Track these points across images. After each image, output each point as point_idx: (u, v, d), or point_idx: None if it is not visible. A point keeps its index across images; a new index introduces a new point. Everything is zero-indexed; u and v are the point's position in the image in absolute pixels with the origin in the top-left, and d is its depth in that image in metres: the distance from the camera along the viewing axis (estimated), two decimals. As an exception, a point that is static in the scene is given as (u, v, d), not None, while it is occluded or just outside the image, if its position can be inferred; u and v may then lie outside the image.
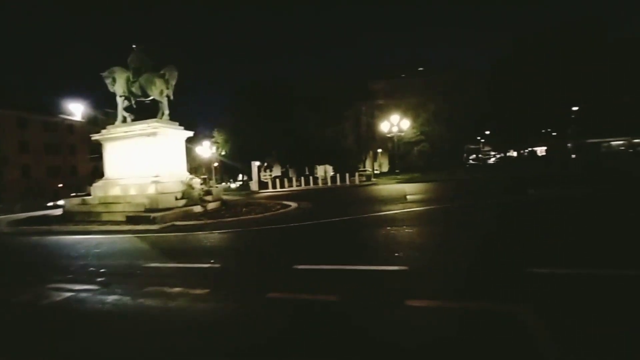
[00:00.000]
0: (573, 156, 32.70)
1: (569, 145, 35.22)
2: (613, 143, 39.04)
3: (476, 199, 11.06)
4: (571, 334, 2.26)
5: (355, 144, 38.21)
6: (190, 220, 10.11)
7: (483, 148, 57.19)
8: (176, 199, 11.60)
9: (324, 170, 29.88)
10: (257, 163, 31.05)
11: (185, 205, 11.44)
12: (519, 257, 4.11)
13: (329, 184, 27.35)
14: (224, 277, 4.42)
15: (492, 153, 56.49)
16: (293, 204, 12.71)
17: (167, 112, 13.34)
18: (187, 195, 12.03)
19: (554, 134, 41.29)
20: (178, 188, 12.21)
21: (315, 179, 28.44)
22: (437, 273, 3.87)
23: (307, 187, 26.76)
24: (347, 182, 26.31)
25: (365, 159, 41.79)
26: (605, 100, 33.99)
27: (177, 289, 3.81)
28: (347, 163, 33.25)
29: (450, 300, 2.94)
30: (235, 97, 40.73)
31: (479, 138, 51.53)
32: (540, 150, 45.35)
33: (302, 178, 28.38)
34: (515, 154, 50.09)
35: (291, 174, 34.59)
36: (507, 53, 41.70)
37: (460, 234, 6.12)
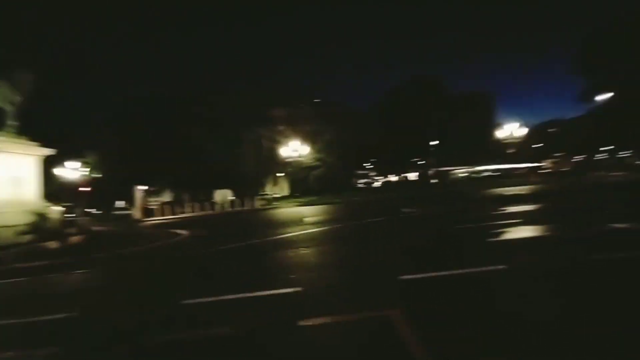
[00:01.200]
0: (433, 181, 40.95)
1: (430, 172, 43.86)
2: (458, 171, 50.81)
3: (361, 217, 12.44)
4: (435, 334, 2.76)
5: (255, 167, 38.05)
6: (42, 259, 8.04)
7: (370, 173, 65.01)
8: (19, 233, 9.14)
9: (222, 195, 28.43)
10: (142, 187, 27.31)
11: (33, 242, 9.10)
12: (393, 267, 4.81)
13: (228, 209, 26.13)
14: (82, 328, 3.64)
15: (377, 177, 64.60)
16: (184, 232, 11.63)
17: (14, 123, 10.65)
18: (38, 227, 9.61)
19: (421, 162, 50.61)
20: (24, 219, 9.66)
21: (213, 205, 26.77)
22: (328, 290, 4.16)
23: (203, 213, 24.89)
24: (247, 206, 25.70)
25: (266, 183, 41.93)
26: (451, 138, 44.50)
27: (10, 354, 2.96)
28: (247, 187, 32.62)
29: (339, 315, 3.20)
30: (120, 112, 35.59)
31: (366, 164, 58.56)
32: (413, 176, 54.76)
33: (197, 204, 26.31)
34: (395, 178, 58.81)
35: (185, 199, 31.66)
36: (381, 99, 50.38)
37: (348, 250, 6.76)
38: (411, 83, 45.36)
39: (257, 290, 4.20)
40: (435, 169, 46.05)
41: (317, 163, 38.84)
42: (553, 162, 51.86)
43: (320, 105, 43.53)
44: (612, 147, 44.78)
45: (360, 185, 53.56)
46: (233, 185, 31.28)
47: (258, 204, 26.43)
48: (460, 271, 4.27)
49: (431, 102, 39.58)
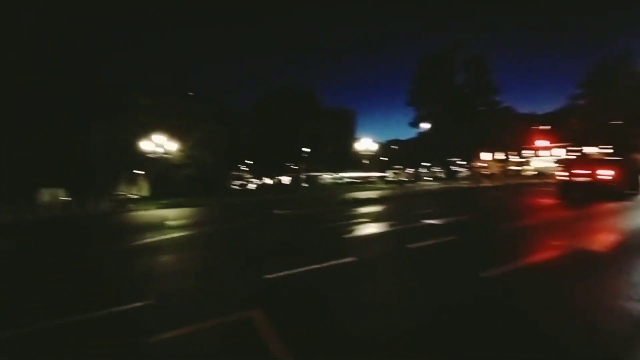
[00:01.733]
0: (305, 185, 44.24)
1: (302, 176, 47.19)
2: (325, 175, 56.92)
3: (232, 220, 12.24)
4: (294, 329, 3.05)
5: (105, 162, 31.52)
6: None
7: (245, 175, 64.22)
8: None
9: (51, 195, 22.20)
10: None
11: None
12: (258, 267, 5.01)
13: (59, 212, 20.58)
14: None
15: (253, 180, 64.50)
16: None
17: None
18: None
19: (294, 167, 53.76)
20: None
21: (36, 207, 20.52)
22: (187, 299, 3.96)
23: (17, 218, 18.71)
24: (90, 209, 20.94)
25: (120, 181, 35.29)
26: (320, 146, 49.38)
27: None
28: (92, 185, 26.60)
29: (199, 322, 3.12)
30: None
31: (242, 166, 57.59)
32: (286, 179, 57.47)
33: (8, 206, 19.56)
34: (271, 181, 60.13)
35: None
36: (257, 104, 50.40)
37: (213, 254, 6.57)
38: (283, 93, 47.26)
39: (99, 309, 3.60)
40: (306, 174, 49.72)
41: (188, 161, 35.52)
42: (394, 173, 64.27)
43: (195, 100, 40.15)
44: (429, 163, 59.19)
45: (235, 187, 52.21)
46: (70, 183, 24.91)
47: (106, 206, 21.94)
48: (319, 265, 4.87)
49: (305, 112, 42.70)
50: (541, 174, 43.65)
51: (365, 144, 37.15)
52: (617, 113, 44.43)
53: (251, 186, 55.82)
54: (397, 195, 20.09)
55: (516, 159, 57.87)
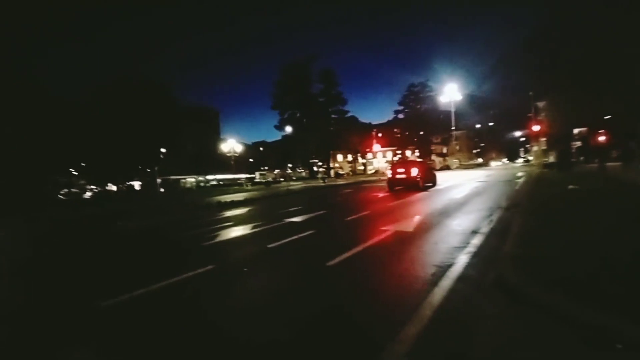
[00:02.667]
0: (162, 190, 39.05)
1: (158, 180, 41.48)
2: (188, 179, 52.03)
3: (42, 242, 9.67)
4: None
5: None
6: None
7: (78, 181, 51.06)
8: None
9: None
10: None
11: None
12: (88, 293, 4.21)
13: None
14: None
15: (89, 187, 52.09)
16: None
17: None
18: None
19: (147, 170, 46.50)
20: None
21: None
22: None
23: None
24: None
25: None
26: (180, 147, 44.92)
27: None
28: None
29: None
30: None
31: (72, 170, 45.41)
32: (138, 184, 49.02)
33: None
34: (115, 187, 49.88)
35: None
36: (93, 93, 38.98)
37: (25, 282, 5.06)
38: (128, 83, 38.26)
39: None
40: (163, 178, 44.02)
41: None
42: (261, 174, 65.45)
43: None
44: (293, 165, 63.37)
45: (62, 197, 40.68)
46: None
47: None
48: (170, 281, 4.50)
49: (159, 108, 37.62)
50: (379, 172, 53.66)
51: (231, 145, 36.19)
52: (423, 126, 59.42)
53: (87, 195, 44.88)
54: (263, 197, 20.57)
55: (361, 160, 69.18)
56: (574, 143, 29.84)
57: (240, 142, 40.40)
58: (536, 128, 26.40)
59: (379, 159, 66.26)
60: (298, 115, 50.49)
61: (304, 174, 56.10)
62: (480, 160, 77.41)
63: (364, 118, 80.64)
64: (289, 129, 48.30)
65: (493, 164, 68.35)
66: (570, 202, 8.08)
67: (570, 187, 11.12)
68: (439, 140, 64.52)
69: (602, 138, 24.81)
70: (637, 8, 21.10)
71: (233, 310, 3.51)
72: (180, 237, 8.55)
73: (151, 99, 36.68)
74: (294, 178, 52.35)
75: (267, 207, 14.52)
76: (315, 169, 55.78)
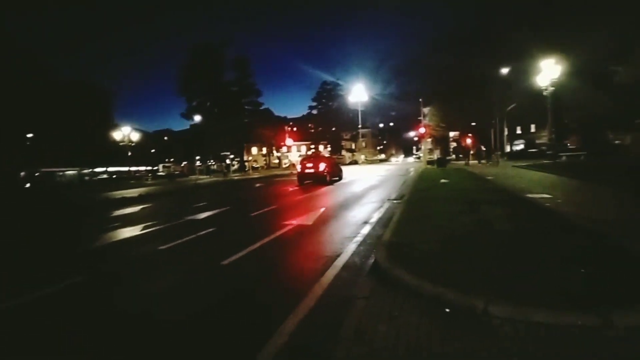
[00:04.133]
0: (27, 185, 31.49)
1: (22, 173, 33.30)
2: (68, 172, 43.21)
3: None
4: None
5: None
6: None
7: None
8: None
9: None
10: None
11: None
12: None
13: None
14: None
15: None
16: None
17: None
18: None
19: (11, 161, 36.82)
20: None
21: None
22: None
23: None
24: None
25: None
26: (59, 135, 36.77)
27: None
28: None
29: None
30: None
31: None
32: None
33: None
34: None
35: None
36: None
37: None
38: None
39: None
40: (32, 170, 35.58)
41: None
42: (165, 167, 59.14)
43: None
44: (203, 157, 59.17)
45: None
46: None
47: None
48: (23, 301, 3.75)
49: (22, 79, 29.97)
50: (293, 166, 54.53)
51: (124, 133, 31.55)
52: (334, 123, 62.68)
53: None
54: (165, 192, 18.69)
55: (276, 154, 69.08)
56: (451, 144, 36.02)
57: (139, 130, 35.52)
58: (422, 130, 30.84)
59: (294, 153, 67.37)
60: (208, 104, 47.10)
61: (215, 167, 52.95)
62: (382, 156, 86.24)
63: (279, 112, 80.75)
64: (198, 118, 44.68)
65: (393, 159, 77.11)
66: (437, 193, 9.74)
67: (442, 181, 13.40)
68: (348, 137, 69.32)
69: (468, 140, 30.59)
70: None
71: (105, 325, 3.15)
72: (42, 244, 7.14)
73: (8, 67, 28.99)
74: (203, 171, 48.99)
75: (167, 204, 13.27)
76: (227, 162, 53.29)
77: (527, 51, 24.72)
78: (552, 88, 21.93)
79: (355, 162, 61.58)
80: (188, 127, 54.86)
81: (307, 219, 7.58)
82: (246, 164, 54.35)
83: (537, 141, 35.97)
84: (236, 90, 49.68)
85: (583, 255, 3.72)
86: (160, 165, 59.41)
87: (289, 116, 71.41)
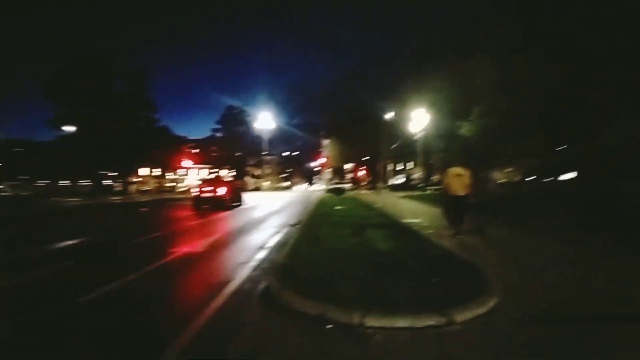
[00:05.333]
0: None
1: None
2: None
3: None
4: None
5: None
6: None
7: None
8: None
9: None
10: None
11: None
12: None
13: None
14: None
15: None
16: None
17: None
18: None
19: None
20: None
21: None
22: None
23: None
24: None
25: None
26: None
27: None
28: None
29: None
30: None
31: None
32: None
33: None
34: None
35: None
36: None
37: None
38: None
39: None
40: None
41: None
42: (13, 185, 46.47)
43: None
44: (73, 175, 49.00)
45: None
46: None
47: None
48: None
49: None
50: (190, 190, 50.31)
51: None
52: (239, 148, 61.48)
53: None
54: (9, 217, 14.48)
55: (173, 176, 62.71)
56: (347, 174, 39.73)
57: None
58: (323, 161, 33.23)
59: (193, 176, 62.43)
60: (87, 112, 39.70)
61: (89, 187, 44.14)
62: (287, 183, 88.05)
63: (180, 131, 74.36)
64: (69, 129, 36.96)
65: (296, 187, 79.49)
66: (332, 218, 10.46)
67: (337, 207, 14.51)
68: (253, 163, 68.61)
69: (361, 172, 34.37)
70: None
71: None
72: None
73: None
74: (72, 192, 40.28)
75: (10, 233, 10.30)
76: (106, 182, 45.18)
77: (408, 101, 29.99)
78: (423, 133, 26.92)
79: (258, 189, 60.90)
80: (54, 138, 44.90)
81: (198, 246, 7.01)
82: (132, 186, 47.30)
83: (413, 176, 43.06)
84: (127, 103, 43.69)
85: (437, 267, 4.54)
86: (5, 184, 46.30)
87: (191, 136, 66.60)
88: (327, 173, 39.01)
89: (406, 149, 37.02)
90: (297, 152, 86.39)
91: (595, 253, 5.74)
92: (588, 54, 11.29)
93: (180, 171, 61.75)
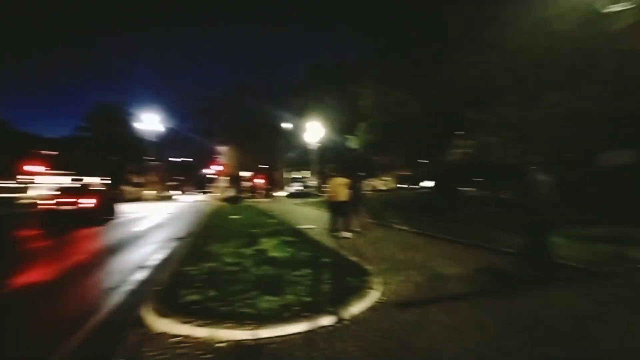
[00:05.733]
0: None
1: None
2: None
3: None
4: None
5: None
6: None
7: None
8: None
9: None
10: None
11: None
12: None
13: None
14: None
15: None
16: None
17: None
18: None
19: None
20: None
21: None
22: None
23: None
24: None
25: None
26: None
27: None
28: None
29: None
30: None
31: None
32: None
33: None
34: None
35: None
36: None
37: None
38: None
39: None
40: None
41: None
42: None
43: None
44: None
45: None
46: None
47: None
48: None
49: None
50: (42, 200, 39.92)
51: None
52: (116, 151, 52.40)
53: None
54: None
55: (11, 184, 48.34)
56: (243, 182, 38.64)
57: None
58: (219, 168, 31.49)
59: (45, 184, 49.57)
60: None
61: None
62: (177, 192, 79.36)
63: (33, 129, 58.12)
64: None
65: (187, 196, 72.40)
66: (226, 229, 9.94)
67: (233, 217, 13.93)
68: (134, 169, 59.20)
69: (259, 180, 33.99)
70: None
71: None
72: None
73: None
74: None
75: None
76: None
77: (305, 113, 31.39)
78: (318, 144, 28.65)
79: (140, 198, 52.77)
80: None
81: (53, 271, 5.59)
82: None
83: (309, 183, 45.17)
84: None
85: (328, 269, 4.85)
86: None
87: (47, 135, 52.73)
88: (223, 181, 37.05)
89: (303, 158, 38.68)
90: (191, 159, 79.11)
91: (446, 242, 7.14)
92: (433, 96, 14.52)
93: (26, 177, 48.43)
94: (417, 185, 30.23)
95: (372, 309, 3.65)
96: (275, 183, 38.55)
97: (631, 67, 7.76)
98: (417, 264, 5.52)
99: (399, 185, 33.67)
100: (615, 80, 8.35)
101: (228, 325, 3.10)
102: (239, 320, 3.16)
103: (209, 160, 47.52)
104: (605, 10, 6.02)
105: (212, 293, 3.90)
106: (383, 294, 4.04)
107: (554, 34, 8.51)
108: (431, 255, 6.14)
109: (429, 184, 21.15)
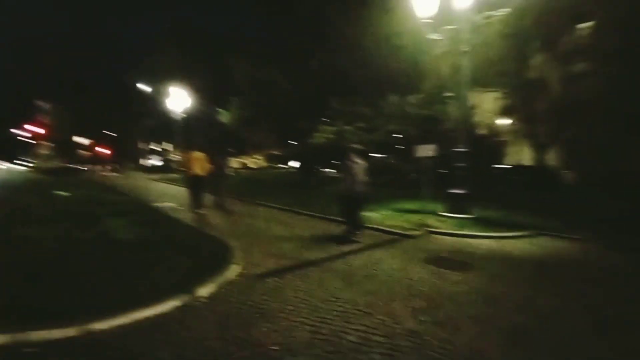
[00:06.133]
0: None
1: None
2: None
3: None
4: None
5: None
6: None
7: None
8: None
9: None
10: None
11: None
12: None
13: None
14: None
15: None
16: None
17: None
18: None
19: None
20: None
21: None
22: None
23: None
24: None
25: None
26: None
27: None
28: None
29: None
30: None
31: None
32: None
33: None
34: None
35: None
36: None
37: None
38: None
39: None
40: None
41: None
42: None
43: None
44: None
45: None
46: None
47: None
48: None
49: None
50: None
51: None
52: None
53: None
54: None
55: None
56: (80, 151, 30.79)
57: None
58: (38, 130, 23.90)
59: None
60: None
61: None
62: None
63: None
64: None
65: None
66: (45, 211, 7.70)
67: (59, 193, 11.06)
68: None
69: (103, 150, 27.87)
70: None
71: None
72: None
73: None
74: None
75: None
76: None
77: (168, 77, 27.13)
78: (184, 114, 25.68)
79: None
80: None
81: None
82: None
83: (172, 157, 40.26)
84: None
85: (185, 247, 4.60)
86: None
87: None
88: (47, 148, 28.41)
89: (165, 128, 33.91)
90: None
91: (305, 217, 7.90)
92: (303, 81, 15.64)
93: None
94: (286, 164, 31.72)
95: (232, 282, 3.75)
96: (127, 155, 32.44)
97: (440, 83, 10.50)
98: (278, 237, 5.94)
99: (269, 164, 34.42)
100: (431, 91, 11.11)
101: (40, 324, 2.56)
102: (59, 317, 2.66)
103: (27, 120, 35.01)
104: (428, 37, 7.74)
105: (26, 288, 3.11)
106: (244, 268, 4.19)
107: (394, 47, 10.47)
108: (290, 227, 6.71)
109: (296, 164, 22.61)
